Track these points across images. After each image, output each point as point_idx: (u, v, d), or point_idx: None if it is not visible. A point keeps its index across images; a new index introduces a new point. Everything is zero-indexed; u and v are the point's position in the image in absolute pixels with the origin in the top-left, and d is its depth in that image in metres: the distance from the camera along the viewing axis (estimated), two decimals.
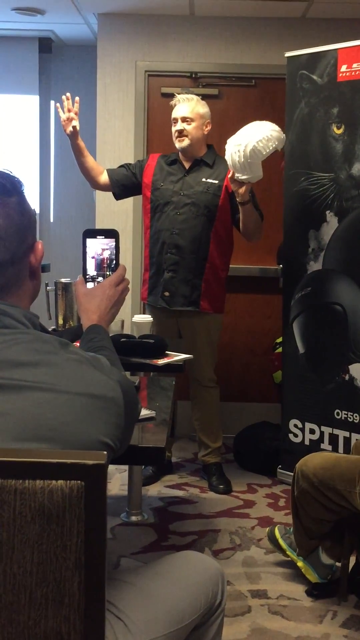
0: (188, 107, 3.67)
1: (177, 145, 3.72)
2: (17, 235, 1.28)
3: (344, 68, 3.44)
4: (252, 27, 4.50)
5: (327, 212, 3.54)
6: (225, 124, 4.56)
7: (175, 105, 3.72)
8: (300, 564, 2.75)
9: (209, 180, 3.68)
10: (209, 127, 3.73)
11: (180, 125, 3.67)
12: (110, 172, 3.87)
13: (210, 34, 4.53)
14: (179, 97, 3.73)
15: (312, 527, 2.67)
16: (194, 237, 3.63)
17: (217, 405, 3.87)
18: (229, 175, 3.47)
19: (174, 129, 3.70)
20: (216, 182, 3.66)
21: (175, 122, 3.70)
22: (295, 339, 3.72)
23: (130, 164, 3.93)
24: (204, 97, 4.49)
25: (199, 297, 3.67)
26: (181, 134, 3.67)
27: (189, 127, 3.66)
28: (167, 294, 3.67)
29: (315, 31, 4.42)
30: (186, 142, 3.67)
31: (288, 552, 2.81)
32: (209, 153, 3.76)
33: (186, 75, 4.55)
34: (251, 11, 4.37)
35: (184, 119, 3.66)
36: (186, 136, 3.66)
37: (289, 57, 3.68)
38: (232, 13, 4.43)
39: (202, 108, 3.70)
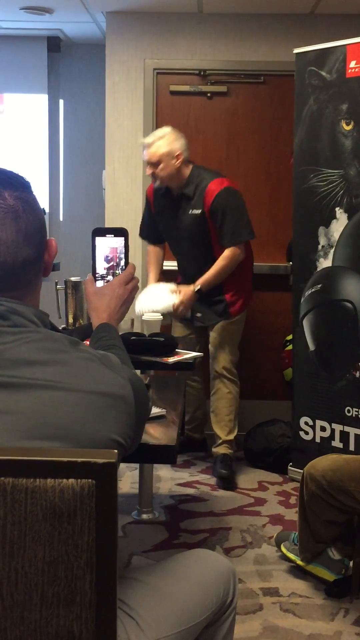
0: (150, 152, 3.68)
1: (154, 184, 3.81)
2: (40, 232, 1.30)
3: (353, 64, 3.43)
4: (260, 23, 4.49)
5: (337, 208, 3.53)
6: (234, 121, 4.56)
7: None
8: (310, 567, 2.74)
9: (193, 211, 3.76)
10: (180, 159, 3.68)
11: (148, 170, 3.74)
12: (143, 233, 4.09)
13: (218, 31, 4.52)
14: (142, 140, 3.76)
15: (322, 530, 2.66)
16: (200, 266, 3.80)
17: (231, 398, 3.93)
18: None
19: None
20: (198, 211, 3.74)
21: (146, 163, 3.77)
22: (306, 336, 3.71)
23: (144, 211, 4.09)
24: (212, 94, 4.52)
25: (227, 308, 3.86)
26: (153, 176, 3.73)
27: (157, 170, 3.68)
28: (199, 314, 3.91)
29: (324, 27, 4.40)
30: (158, 183, 3.74)
31: (298, 562, 2.80)
32: (189, 180, 3.75)
33: (195, 73, 4.55)
34: (259, 8, 4.36)
35: (149, 163, 3.70)
36: (156, 178, 3.72)
37: (297, 54, 3.67)
38: (241, 10, 4.42)
39: (165, 147, 3.66)
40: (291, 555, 2.84)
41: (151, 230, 4.04)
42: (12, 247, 1.24)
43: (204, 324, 3.93)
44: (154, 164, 3.67)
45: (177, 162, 3.68)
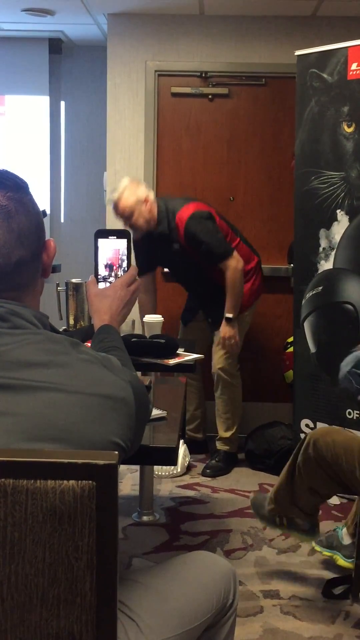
0: (120, 207, 3.66)
1: (135, 235, 3.76)
2: (36, 233, 1.29)
3: (354, 66, 3.43)
4: (262, 25, 4.49)
5: (338, 211, 3.53)
6: (235, 123, 4.56)
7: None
8: (323, 550, 2.79)
9: (174, 246, 3.81)
10: (148, 201, 3.68)
11: (125, 224, 3.69)
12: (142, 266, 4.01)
13: (220, 33, 4.52)
14: (110, 197, 3.74)
15: (303, 495, 2.65)
16: (203, 287, 3.97)
17: (225, 399, 3.98)
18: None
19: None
20: (178, 245, 3.80)
21: (119, 219, 3.74)
22: (307, 338, 3.71)
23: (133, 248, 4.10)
24: (214, 96, 4.52)
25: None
26: (131, 228, 3.66)
27: (132, 221, 3.67)
28: (210, 320, 4.00)
29: (326, 29, 4.41)
30: (139, 232, 3.73)
31: (316, 548, 2.84)
32: (160, 218, 3.74)
33: (196, 75, 4.55)
34: (261, 10, 4.36)
35: (123, 217, 3.68)
36: (136, 229, 3.69)
37: (299, 56, 3.67)
38: (242, 12, 4.42)
39: (131, 196, 3.64)
40: (319, 549, 2.84)
41: (144, 264, 3.99)
42: (4, 248, 1.24)
43: (216, 329, 3.97)
44: (127, 217, 3.67)
45: (148, 205, 3.67)
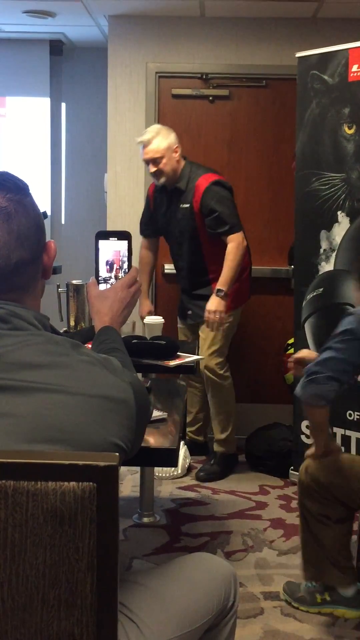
0: (151, 149, 3.71)
1: (156, 182, 3.86)
2: (36, 234, 1.29)
3: (355, 68, 3.43)
4: (262, 27, 4.49)
5: (339, 212, 3.53)
6: (236, 125, 4.56)
7: (140, 146, 3.79)
8: (329, 610, 2.60)
9: (183, 205, 3.81)
10: (177, 152, 3.76)
11: (152, 167, 3.75)
12: (141, 227, 4.13)
13: (220, 35, 4.52)
14: (139, 139, 3.77)
15: (320, 531, 2.59)
16: (191, 260, 3.89)
17: (217, 401, 3.96)
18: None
19: (147, 169, 3.82)
20: (187, 205, 3.78)
21: (146, 164, 3.80)
22: (307, 340, 3.71)
23: (144, 209, 4.15)
24: (214, 98, 4.52)
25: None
26: (156, 174, 3.77)
27: (160, 166, 3.72)
28: (189, 312, 3.96)
29: (326, 31, 4.41)
30: (163, 179, 3.78)
31: (311, 610, 2.63)
32: (182, 174, 3.80)
33: (197, 77, 4.55)
34: (262, 12, 4.36)
35: (152, 161, 3.72)
36: (161, 174, 3.75)
37: (299, 58, 3.67)
38: (243, 14, 4.42)
39: (164, 140, 3.71)
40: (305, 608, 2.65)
41: (149, 226, 4.10)
42: (4, 249, 1.24)
43: (194, 322, 3.98)
44: (155, 161, 3.71)
45: (177, 155, 3.75)
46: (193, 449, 4.14)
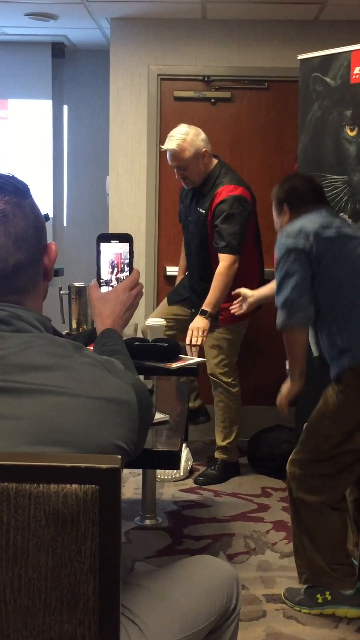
0: (177, 157, 3.64)
1: (185, 186, 3.82)
2: (35, 237, 1.29)
3: (357, 70, 3.43)
4: (264, 30, 4.49)
5: (341, 214, 3.52)
6: (238, 127, 4.56)
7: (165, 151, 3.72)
8: (330, 611, 2.61)
9: (200, 209, 3.76)
10: (206, 156, 3.68)
11: (179, 174, 3.71)
12: (179, 217, 4.08)
13: (222, 38, 4.53)
14: (165, 146, 3.68)
15: (320, 521, 2.61)
16: (200, 266, 3.86)
17: (223, 407, 3.93)
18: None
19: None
20: (203, 211, 3.73)
21: (173, 168, 3.74)
22: (309, 342, 3.70)
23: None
24: (216, 100, 4.53)
25: (218, 313, 3.73)
26: (183, 179, 3.74)
27: (186, 173, 3.69)
28: (193, 311, 3.87)
29: (328, 33, 4.41)
30: (191, 184, 3.75)
31: (313, 612, 2.63)
32: (209, 176, 3.73)
33: (199, 79, 4.56)
34: (264, 14, 4.37)
35: (177, 167, 3.68)
36: (187, 180, 3.73)
37: (301, 60, 3.67)
38: (245, 16, 4.42)
39: (191, 147, 3.62)
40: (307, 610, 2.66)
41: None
42: (1, 252, 1.24)
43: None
44: (181, 168, 3.67)
45: (205, 159, 3.67)
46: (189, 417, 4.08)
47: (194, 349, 3.46)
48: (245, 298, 3.47)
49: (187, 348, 3.51)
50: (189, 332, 3.57)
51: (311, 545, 2.62)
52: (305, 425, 2.73)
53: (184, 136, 3.63)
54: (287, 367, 2.71)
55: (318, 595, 2.61)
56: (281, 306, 2.59)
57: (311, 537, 2.62)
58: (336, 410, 2.59)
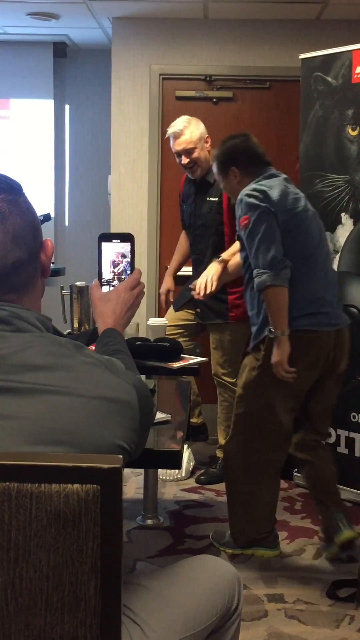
0: (185, 140, 3.66)
1: (190, 176, 3.79)
2: (32, 233, 1.29)
3: (358, 69, 3.43)
4: (266, 29, 4.49)
5: (342, 214, 3.52)
6: (239, 126, 4.55)
7: (170, 137, 3.72)
8: (249, 552, 3.00)
9: (210, 198, 3.74)
10: (209, 142, 3.72)
11: (185, 159, 3.69)
12: (182, 223, 4.06)
13: (224, 37, 4.53)
14: (171, 130, 3.70)
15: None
16: (212, 257, 3.73)
17: (227, 405, 3.91)
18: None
19: (179, 161, 3.74)
20: (216, 199, 3.72)
21: (178, 156, 3.73)
22: None
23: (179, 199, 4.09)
24: (218, 99, 4.53)
25: (227, 310, 3.76)
26: (189, 166, 3.71)
27: (194, 156, 3.68)
28: (198, 310, 3.85)
29: (330, 33, 4.41)
30: (199, 172, 3.73)
31: (236, 552, 3.04)
32: (211, 168, 3.70)
33: (200, 78, 4.56)
34: (265, 13, 4.37)
35: (185, 151, 3.67)
36: (195, 165, 3.71)
37: (303, 59, 3.67)
38: (246, 16, 4.42)
39: (196, 130, 3.67)
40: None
41: (183, 220, 4.05)
42: (0, 250, 1.24)
43: (202, 322, 3.90)
44: (188, 152, 3.66)
45: (208, 145, 3.70)
46: (190, 434, 4.09)
47: (202, 290, 3.48)
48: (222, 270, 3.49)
49: (195, 294, 3.54)
50: (200, 280, 3.53)
51: (246, 516, 2.97)
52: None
53: (188, 120, 3.70)
54: (272, 328, 2.73)
55: (240, 536, 3.00)
56: (267, 266, 2.67)
57: (246, 507, 2.95)
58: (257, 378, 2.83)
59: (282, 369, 2.72)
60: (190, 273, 4.04)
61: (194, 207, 3.85)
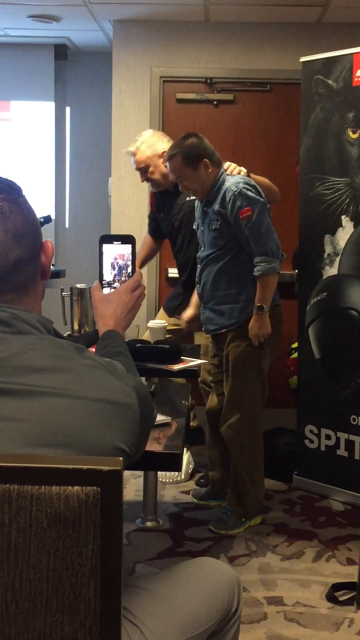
0: (136, 158, 3.63)
1: (153, 190, 3.82)
2: (33, 233, 1.29)
3: (359, 72, 3.43)
4: (267, 32, 4.50)
5: (343, 217, 3.53)
6: (240, 129, 4.57)
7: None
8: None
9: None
10: (160, 161, 3.59)
11: (141, 178, 3.70)
12: (149, 227, 4.09)
13: (225, 40, 4.53)
14: (127, 150, 3.69)
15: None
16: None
17: None
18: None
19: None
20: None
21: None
22: (311, 344, 3.70)
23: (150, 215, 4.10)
24: (219, 102, 4.53)
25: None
26: (148, 181, 3.72)
27: (147, 175, 3.65)
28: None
29: (331, 36, 4.41)
30: (155, 187, 3.76)
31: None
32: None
33: (201, 81, 4.56)
34: (266, 16, 4.37)
35: (139, 170, 3.66)
36: (151, 182, 3.72)
37: (304, 62, 3.67)
38: (247, 18, 4.43)
39: (148, 149, 3.61)
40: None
41: (153, 228, 4.04)
42: (1, 248, 1.24)
43: (190, 329, 3.79)
44: (142, 170, 3.65)
45: (163, 163, 3.59)
46: (189, 438, 4.09)
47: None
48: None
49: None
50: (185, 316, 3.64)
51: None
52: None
53: (142, 139, 3.66)
54: (264, 305, 3.11)
55: (243, 519, 3.29)
56: (275, 254, 3.08)
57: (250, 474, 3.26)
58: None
59: (264, 336, 3.15)
60: (177, 275, 4.03)
61: (171, 214, 3.79)
